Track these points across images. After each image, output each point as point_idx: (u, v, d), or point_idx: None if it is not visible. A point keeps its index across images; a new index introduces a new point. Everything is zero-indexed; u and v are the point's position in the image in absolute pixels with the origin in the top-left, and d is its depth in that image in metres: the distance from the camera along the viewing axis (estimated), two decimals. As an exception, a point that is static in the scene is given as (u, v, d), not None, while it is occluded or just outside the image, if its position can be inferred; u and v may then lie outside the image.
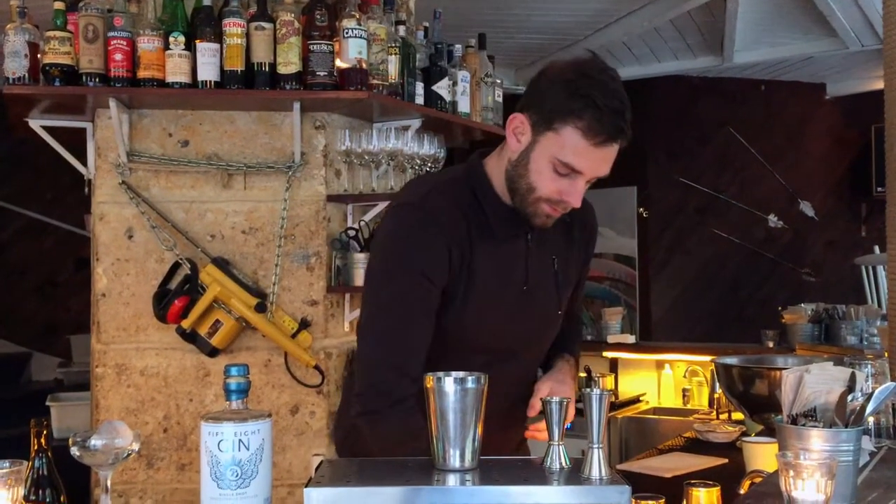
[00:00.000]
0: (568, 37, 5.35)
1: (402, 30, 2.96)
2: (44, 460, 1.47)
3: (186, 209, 2.87)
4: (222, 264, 2.80)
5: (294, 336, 2.81)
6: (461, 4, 4.35)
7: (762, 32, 5.36)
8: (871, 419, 1.90)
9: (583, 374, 4.93)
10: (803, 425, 1.47)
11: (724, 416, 3.59)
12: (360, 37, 2.71)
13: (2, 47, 2.70)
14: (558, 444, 1.27)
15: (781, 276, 6.47)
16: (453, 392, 1.25)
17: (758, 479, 1.69)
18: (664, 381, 5.26)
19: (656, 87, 6.21)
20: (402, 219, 1.71)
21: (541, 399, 1.36)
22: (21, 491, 1.25)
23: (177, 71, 2.64)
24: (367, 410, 1.67)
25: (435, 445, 1.27)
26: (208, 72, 2.65)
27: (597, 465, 1.22)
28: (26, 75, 2.64)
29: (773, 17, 5.11)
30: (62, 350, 5.90)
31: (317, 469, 1.29)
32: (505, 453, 1.62)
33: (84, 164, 2.93)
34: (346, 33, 2.69)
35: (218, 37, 2.65)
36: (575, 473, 1.24)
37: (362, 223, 2.93)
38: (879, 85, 2.63)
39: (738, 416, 3.29)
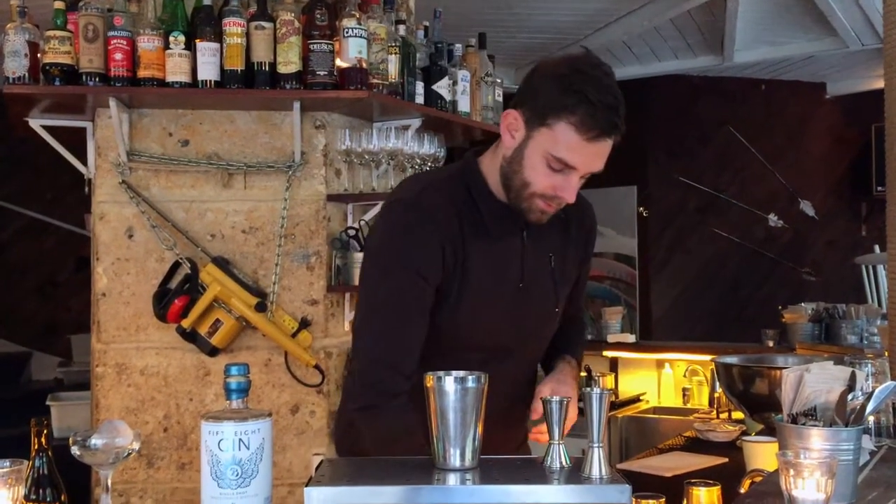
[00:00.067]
0: (568, 36, 5.35)
1: (402, 29, 2.96)
2: (44, 460, 1.47)
3: (186, 209, 2.87)
4: (222, 264, 2.80)
5: (294, 335, 2.81)
6: (461, 4, 4.35)
7: (762, 32, 5.36)
8: (871, 418, 1.90)
9: (583, 374, 4.93)
10: (803, 424, 1.47)
11: (724, 416, 3.59)
12: (361, 36, 2.71)
13: (2, 47, 2.70)
14: (559, 444, 1.27)
15: (782, 276, 6.47)
16: (453, 391, 1.25)
17: (758, 479, 1.69)
18: (664, 380, 5.27)
19: (656, 87, 6.21)
20: (396, 216, 1.71)
21: (541, 398, 1.36)
22: (21, 490, 1.25)
23: (177, 70, 2.64)
24: (363, 407, 1.68)
25: (435, 445, 1.27)
26: (208, 71, 2.65)
27: (597, 464, 1.22)
28: (26, 75, 2.64)
29: (774, 17, 5.11)
30: (62, 349, 5.90)
31: (317, 468, 1.29)
32: (506, 453, 1.62)
33: (84, 163, 2.93)
34: (347, 33, 2.69)
35: (218, 36, 2.65)
36: (575, 472, 1.24)
37: (362, 223, 2.94)
38: (880, 84, 2.62)
39: (738, 415, 3.29)
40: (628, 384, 5.31)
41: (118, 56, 2.62)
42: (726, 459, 2.50)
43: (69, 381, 5.11)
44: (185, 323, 2.74)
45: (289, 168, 2.86)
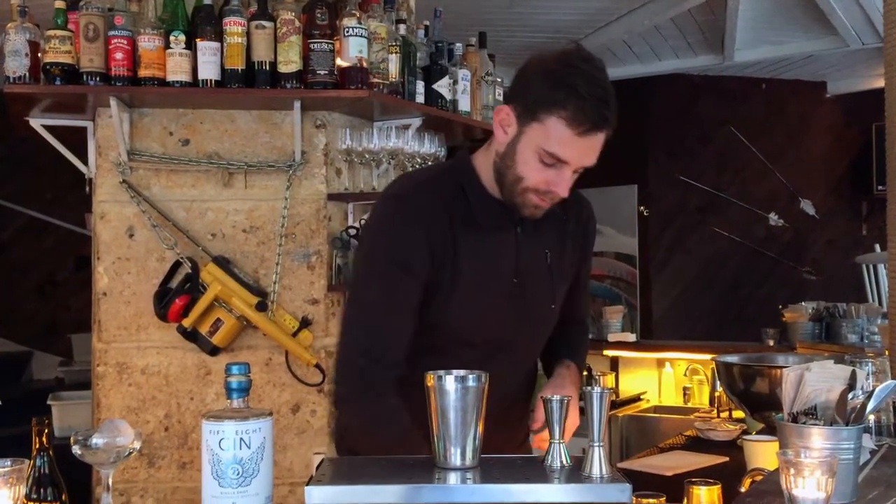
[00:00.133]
0: (568, 35, 5.34)
1: (402, 28, 2.96)
2: (45, 459, 1.47)
3: (187, 208, 2.87)
4: (223, 263, 2.80)
5: (295, 335, 2.81)
6: (461, 3, 4.35)
7: (763, 31, 5.36)
8: (871, 417, 1.90)
9: (584, 373, 4.92)
10: (804, 423, 1.47)
11: (724, 415, 3.59)
12: (361, 35, 2.71)
13: (2, 46, 2.70)
14: (559, 443, 1.27)
15: (782, 275, 6.47)
16: (454, 390, 1.25)
17: (759, 478, 1.69)
18: (665, 379, 5.26)
19: (657, 86, 6.21)
20: (385, 211, 1.74)
21: (541, 397, 1.35)
22: (23, 489, 1.25)
23: (177, 70, 2.64)
24: (339, 397, 1.69)
25: (436, 444, 1.27)
26: (209, 71, 2.65)
27: (598, 463, 1.22)
28: (27, 74, 2.64)
29: (774, 16, 5.11)
30: (63, 349, 5.90)
31: (318, 467, 1.29)
32: (506, 452, 1.62)
33: (85, 163, 2.93)
34: (347, 32, 2.69)
35: (218, 36, 2.65)
36: (576, 471, 1.24)
37: (363, 222, 2.94)
38: (880, 83, 2.62)
39: (738, 414, 3.29)
40: (629, 383, 5.31)
41: (119, 55, 2.62)
42: (727, 458, 2.50)
43: (70, 381, 5.10)
44: (186, 322, 2.74)
45: (289, 167, 2.86)
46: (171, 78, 2.65)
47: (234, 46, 2.65)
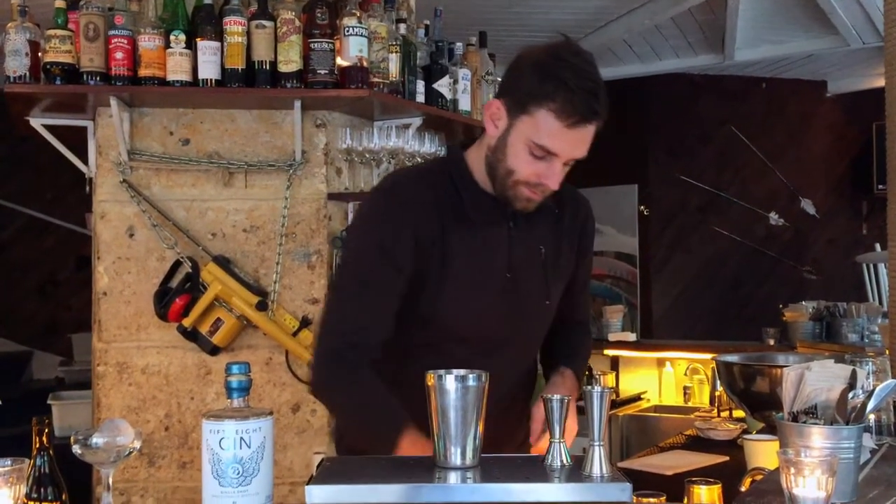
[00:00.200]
0: (569, 34, 5.30)
1: (402, 28, 2.96)
2: (45, 458, 1.47)
3: (187, 207, 2.87)
4: (223, 263, 2.81)
5: (295, 334, 2.81)
6: (462, 2, 4.35)
7: (763, 30, 5.36)
8: (871, 416, 1.90)
9: (585, 375, 4.91)
10: (804, 422, 1.47)
11: (725, 414, 3.58)
12: (361, 35, 2.71)
13: (3, 46, 2.70)
14: (559, 442, 1.27)
15: (782, 274, 6.47)
16: (454, 390, 1.25)
17: (759, 477, 1.69)
18: (665, 378, 5.26)
19: (657, 85, 6.21)
20: (372, 204, 1.77)
21: (542, 397, 1.35)
22: (23, 489, 1.25)
23: (177, 69, 2.64)
24: (315, 380, 1.70)
25: (436, 443, 1.27)
26: (209, 70, 2.65)
27: (598, 462, 1.22)
28: (27, 74, 2.64)
29: (774, 15, 5.11)
30: (63, 349, 5.90)
31: (318, 466, 1.29)
32: (506, 451, 1.62)
33: (85, 162, 2.93)
34: (347, 31, 2.69)
35: (219, 35, 2.65)
36: (576, 471, 1.24)
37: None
38: (880, 82, 2.62)
39: (739, 413, 3.28)
40: (629, 383, 5.31)
41: (119, 55, 2.62)
42: (727, 458, 2.49)
43: (70, 380, 5.10)
44: (187, 322, 2.74)
45: (289, 167, 2.86)
46: (171, 77, 2.65)
47: (235, 46, 2.65)
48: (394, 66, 2.87)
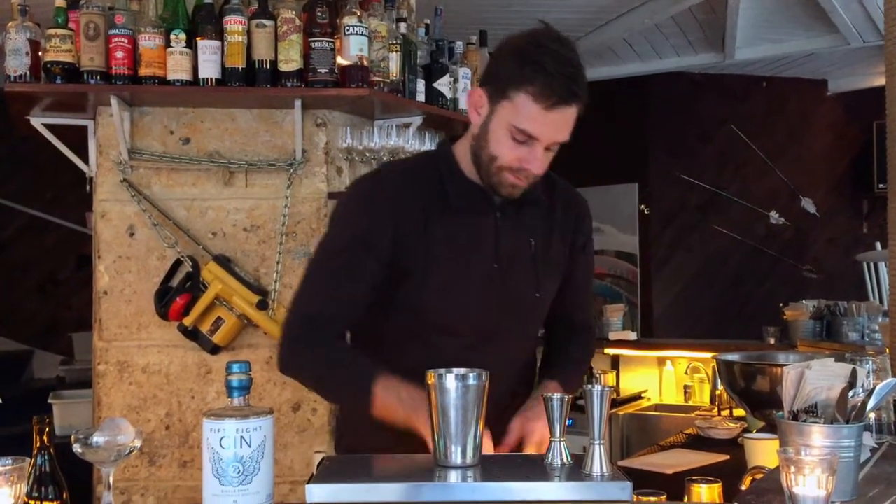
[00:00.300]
0: (569, 34, 5.19)
1: (403, 27, 2.96)
2: (46, 457, 1.47)
3: (188, 207, 2.88)
4: (224, 262, 2.81)
5: (296, 333, 2.81)
6: (462, 1, 4.35)
7: (763, 29, 5.36)
8: (872, 415, 1.90)
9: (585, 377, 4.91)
10: (805, 421, 1.47)
11: (725, 413, 3.59)
12: (362, 34, 2.71)
13: (3, 45, 2.70)
14: (560, 441, 1.27)
15: (783, 273, 6.47)
16: (454, 389, 1.25)
17: (759, 476, 1.69)
18: (665, 377, 5.26)
19: (657, 84, 6.20)
20: (354, 190, 1.81)
21: (542, 396, 1.35)
22: (24, 488, 1.25)
23: (178, 68, 2.64)
24: (281, 359, 1.71)
25: (437, 442, 1.27)
26: (209, 69, 2.65)
27: (598, 461, 1.22)
28: (28, 73, 2.65)
29: (775, 14, 5.11)
30: (64, 348, 5.91)
31: (318, 465, 1.29)
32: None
33: (85, 161, 2.93)
34: (348, 31, 2.69)
35: (219, 34, 2.65)
36: (576, 470, 1.24)
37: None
38: (881, 81, 2.62)
39: (739, 412, 3.28)
40: (629, 381, 5.30)
41: (119, 54, 2.62)
42: (727, 456, 2.49)
43: (71, 380, 5.11)
44: (187, 321, 2.74)
45: (290, 166, 2.87)
46: (171, 77, 2.65)
47: (235, 45, 2.65)
48: (394, 65, 2.87)
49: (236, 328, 2.80)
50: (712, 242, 6.36)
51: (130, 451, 1.45)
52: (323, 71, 2.68)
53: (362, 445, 1.66)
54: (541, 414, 1.61)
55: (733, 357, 2.40)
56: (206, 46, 2.65)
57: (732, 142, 6.37)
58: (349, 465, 1.34)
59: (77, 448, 1.43)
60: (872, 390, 1.50)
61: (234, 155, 2.88)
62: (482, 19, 4.50)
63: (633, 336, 5.39)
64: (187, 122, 2.88)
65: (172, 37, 2.63)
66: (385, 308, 1.70)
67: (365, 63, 2.72)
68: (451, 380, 1.25)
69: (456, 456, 1.25)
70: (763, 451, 2.08)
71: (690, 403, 4.90)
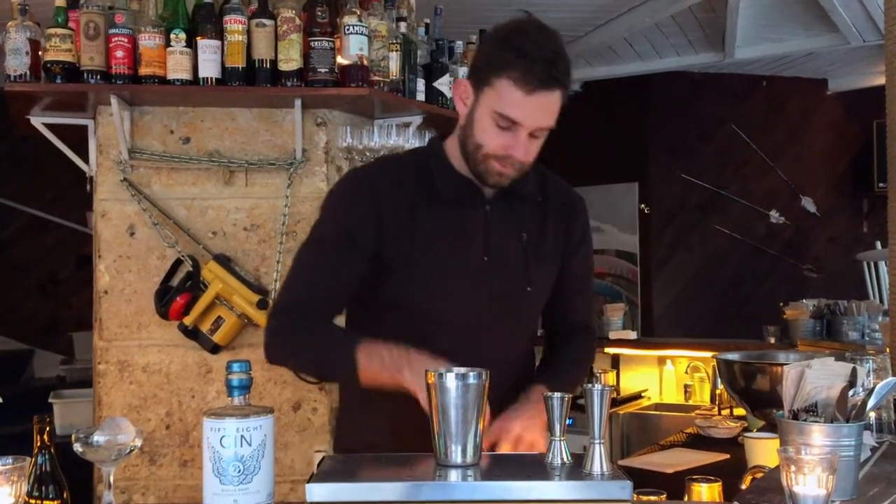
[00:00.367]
0: (569, 33, 5.35)
1: (403, 26, 2.96)
2: (46, 457, 1.47)
3: (188, 206, 2.88)
4: (224, 261, 2.81)
5: (296, 333, 2.81)
6: (462, 1, 4.35)
7: (763, 28, 5.36)
8: (872, 414, 1.90)
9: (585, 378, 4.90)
10: (805, 420, 1.47)
11: (725, 412, 3.59)
12: (362, 33, 2.71)
13: (3, 45, 2.70)
14: (560, 440, 1.27)
15: (783, 272, 6.47)
16: (455, 388, 1.25)
17: (759, 475, 1.69)
18: (666, 376, 5.26)
19: (657, 84, 6.20)
20: (341, 184, 1.82)
21: (543, 395, 1.34)
22: (24, 487, 1.25)
23: (178, 68, 2.64)
24: (265, 346, 1.72)
25: (437, 441, 1.27)
26: (209, 69, 2.65)
27: (598, 460, 1.22)
28: (28, 73, 2.65)
29: (775, 13, 5.10)
30: (64, 347, 5.91)
31: (319, 465, 1.29)
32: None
33: (86, 161, 2.93)
34: (347, 30, 2.69)
35: (219, 34, 2.65)
36: (577, 469, 1.24)
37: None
38: (881, 80, 2.62)
39: (739, 411, 3.28)
40: (630, 381, 5.30)
41: (119, 54, 2.62)
42: (728, 456, 2.49)
43: (71, 379, 5.12)
44: (187, 320, 2.74)
45: (290, 165, 2.87)
46: (171, 76, 2.65)
47: (235, 44, 2.65)
48: (394, 64, 2.87)
49: (237, 327, 2.80)
50: (712, 242, 6.36)
51: (131, 451, 1.45)
52: (323, 70, 2.68)
53: (362, 443, 1.67)
54: (519, 415, 1.65)
55: (733, 356, 2.40)
56: (206, 46, 2.65)
57: (732, 141, 6.37)
58: (349, 465, 1.34)
59: (78, 447, 1.43)
60: (872, 389, 1.50)
61: (235, 154, 2.88)
62: (482, 19, 4.48)
63: (633, 335, 5.39)
64: (187, 121, 2.88)
65: (172, 36, 2.63)
66: (377, 302, 1.71)
67: (365, 62, 2.72)
68: (451, 379, 1.25)
69: (456, 455, 1.25)
70: (763, 451, 2.08)
71: (690, 403, 4.90)
